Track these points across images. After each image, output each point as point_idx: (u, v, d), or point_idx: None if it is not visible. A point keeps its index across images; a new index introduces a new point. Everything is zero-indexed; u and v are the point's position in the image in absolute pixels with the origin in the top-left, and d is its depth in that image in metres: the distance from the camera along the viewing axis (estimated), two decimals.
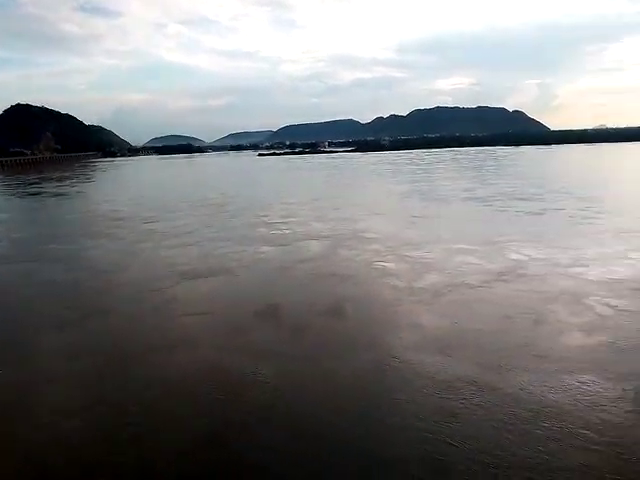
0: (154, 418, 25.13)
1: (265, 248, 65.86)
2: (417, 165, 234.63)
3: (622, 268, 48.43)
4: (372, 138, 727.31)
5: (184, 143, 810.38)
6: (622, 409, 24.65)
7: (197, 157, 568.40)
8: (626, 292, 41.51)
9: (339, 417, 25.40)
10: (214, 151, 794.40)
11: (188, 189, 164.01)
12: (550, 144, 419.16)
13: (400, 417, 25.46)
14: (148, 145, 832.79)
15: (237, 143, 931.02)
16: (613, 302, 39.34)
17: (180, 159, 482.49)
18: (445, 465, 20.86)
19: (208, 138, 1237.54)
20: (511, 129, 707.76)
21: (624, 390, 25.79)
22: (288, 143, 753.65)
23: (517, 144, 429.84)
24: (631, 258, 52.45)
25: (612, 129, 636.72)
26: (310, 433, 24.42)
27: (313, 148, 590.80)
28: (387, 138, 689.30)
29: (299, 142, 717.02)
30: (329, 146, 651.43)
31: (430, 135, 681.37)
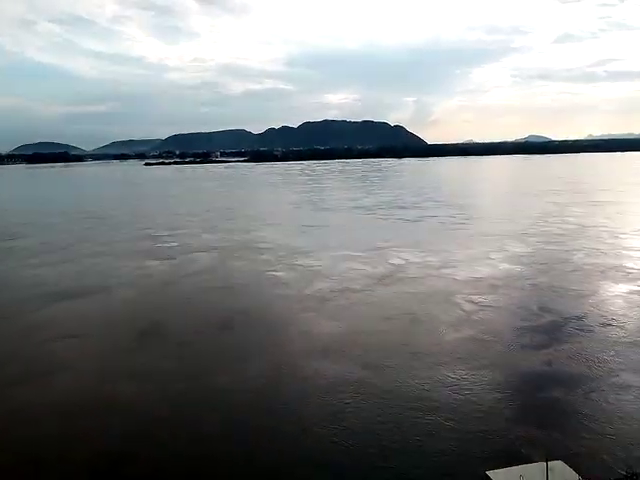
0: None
1: (149, 263, 62.51)
2: (308, 176, 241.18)
3: (484, 267, 54.38)
4: (264, 148, 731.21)
5: (60, 151, 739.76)
6: (488, 395, 27.45)
7: (75, 166, 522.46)
8: (486, 289, 46.64)
9: (226, 440, 24.39)
10: (95, 160, 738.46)
11: (63, 201, 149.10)
12: (428, 156, 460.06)
13: (287, 422, 25.83)
14: (15, 153, 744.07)
15: (121, 152, 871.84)
16: (476, 299, 43.88)
17: (54, 168, 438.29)
18: (325, 461, 21.58)
19: (88, 146, 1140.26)
20: (394, 142, 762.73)
21: (489, 378, 28.88)
22: (178, 152, 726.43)
23: (400, 156, 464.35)
24: (491, 258, 59.02)
25: (478, 143, 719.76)
26: (196, 452, 23.77)
27: (205, 158, 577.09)
28: (279, 149, 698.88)
29: (190, 151, 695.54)
30: (221, 156, 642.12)
31: (320, 147, 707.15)
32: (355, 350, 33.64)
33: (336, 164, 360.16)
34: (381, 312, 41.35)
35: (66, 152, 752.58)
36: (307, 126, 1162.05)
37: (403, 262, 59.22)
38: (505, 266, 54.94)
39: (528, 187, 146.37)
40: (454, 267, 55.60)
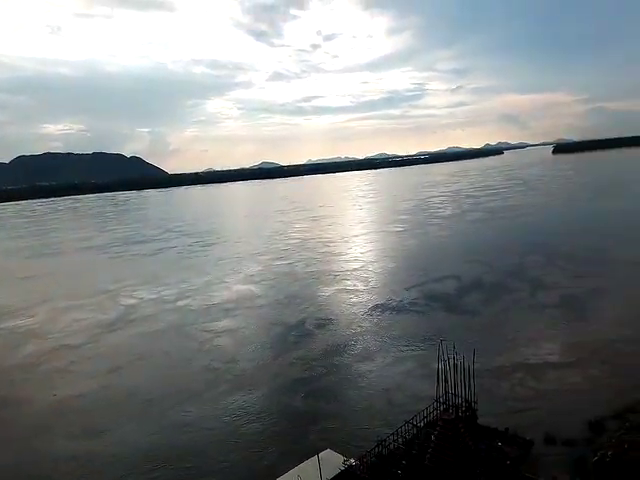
0: None
1: None
2: (26, 218, 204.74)
3: (219, 292, 55.52)
4: None
5: None
6: (240, 419, 27.02)
7: None
8: (220, 314, 47.53)
9: None
10: None
11: None
12: (170, 187, 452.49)
13: None
14: None
15: None
16: (210, 327, 44.16)
17: None
18: None
19: None
20: (132, 174, 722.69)
21: (215, 414, 28.76)
22: None
23: (140, 188, 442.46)
24: (225, 282, 60.84)
25: (217, 171, 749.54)
26: None
27: None
28: None
29: None
30: None
31: (43, 183, 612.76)
32: (69, 417, 29.36)
33: (64, 201, 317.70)
34: (107, 364, 37.31)
35: None
36: (23, 160, 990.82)
37: (137, 301, 55.46)
38: (239, 287, 57.54)
39: (260, 210, 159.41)
40: (190, 297, 55.09)
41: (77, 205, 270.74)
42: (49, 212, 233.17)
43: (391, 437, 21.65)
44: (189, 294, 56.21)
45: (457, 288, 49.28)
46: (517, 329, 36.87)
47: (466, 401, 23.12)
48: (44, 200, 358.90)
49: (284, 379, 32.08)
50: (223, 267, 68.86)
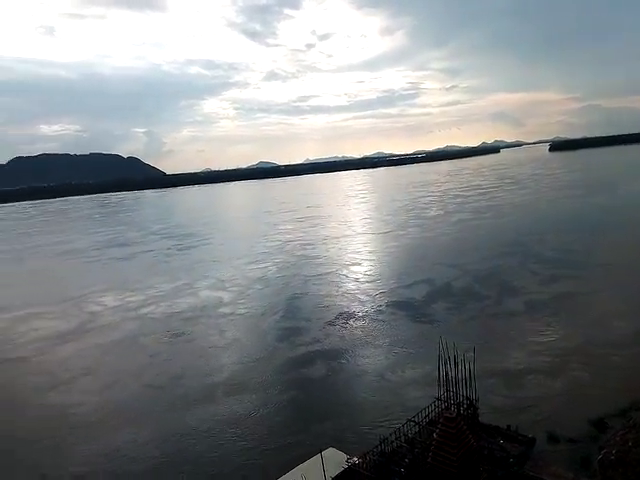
0: None
1: None
2: (14, 221, 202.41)
3: (184, 300, 53.62)
4: None
5: None
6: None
7: None
8: (180, 323, 45.77)
9: None
10: None
11: None
12: (167, 187, 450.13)
13: None
14: None
15: None
16: (165, 339, 42.44)
17: None
18: None
19: None
20: (129, 175, 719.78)
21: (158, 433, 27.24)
22: None
23: (137, 189, 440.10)
24: (195, 287, 59.05)
25: (215, 171, 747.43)
26: None
27: None
28: None
29: None
30: None
31: (41, 184, 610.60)
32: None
33: (57, 203, 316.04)
34: (48, 380, 35.58)
35: None
36: (19, 161, 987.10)
37: (100, 308, 53.70)
38: (207, 294, 55.73)
39: (249, 211, 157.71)
40: (154, 304, 53.28)
41: (68, 207, 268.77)
42: (38, 214, 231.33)
43: (393, 435, 20.72)
44: (154, 301, 54.38)
45: (428, 294, 47.60)
46: (496, 332, 35.23)
47: (467, 399, 22.36)
48: (37, 202, 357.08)
49: (238, 388, 30.42)
50: (196, 272, 67.07)
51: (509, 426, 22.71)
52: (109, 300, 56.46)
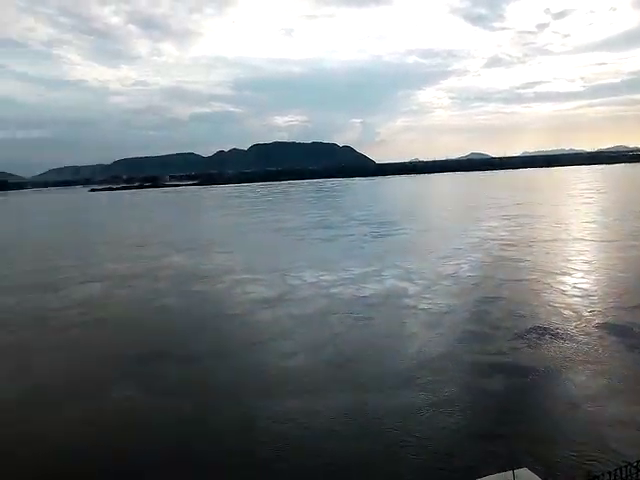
0: None
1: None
2: (246, 198, 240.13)
3: (370, 285, 55.29)
4: (215, 171, 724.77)
5: None
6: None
7: (12, 195, 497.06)
8: (362, 308, 47.37)
9: None
10: (36, 187, 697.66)
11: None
12: (377, 175, 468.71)
13: None
14: None
15: (64, 178, 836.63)
16: (349, 320, 44.43)
17: None
18: None
19: (27, 173, 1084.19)
20: (343, 162, 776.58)
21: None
22: (125, 177, 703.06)
23: (349, 176, 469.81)
24: (382, 275, 60.23)
25: (423, 162, 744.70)
26: None
27: (153, 182, 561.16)
28: (230, 172, 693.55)
29: (138, 176, 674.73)
30: (170, 179, 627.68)
31: (271, 168, 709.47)
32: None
33: (282, 185, 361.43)
34: (246, 338, 41.19)
35: (5, 181, 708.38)
36: (257, 148, 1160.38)
37: (299, 282, 59.52)
38: (392, 282, 56.25)
39: (450, 204, 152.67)
40: (343, 285, 56.32)
41: (291, 189, 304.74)
42: (266, 194, 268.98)
43: (606, 476, 17.73)
44: (343, 282, 57.53)
45: None
46: None
47: None
48: (270, 183, 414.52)
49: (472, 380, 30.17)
50: (386, 260, 68.33)
51: None
52: (307, 276, 62.12)
